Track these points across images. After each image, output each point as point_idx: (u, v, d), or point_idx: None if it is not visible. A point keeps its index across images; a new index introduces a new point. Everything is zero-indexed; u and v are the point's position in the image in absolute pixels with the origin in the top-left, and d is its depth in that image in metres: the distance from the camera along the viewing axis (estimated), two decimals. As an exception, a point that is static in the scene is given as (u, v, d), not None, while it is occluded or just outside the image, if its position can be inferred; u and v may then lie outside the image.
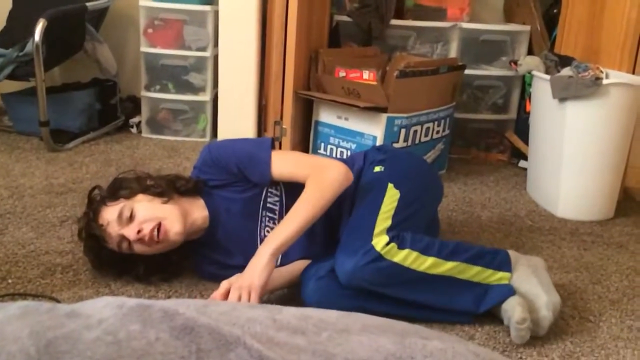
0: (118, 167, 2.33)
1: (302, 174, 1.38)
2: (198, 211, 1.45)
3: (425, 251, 1.30)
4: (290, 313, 0.72)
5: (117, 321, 0.60)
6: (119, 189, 1.41)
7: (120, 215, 1.36)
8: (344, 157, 2.30)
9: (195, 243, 1.48)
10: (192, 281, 1.49)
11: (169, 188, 1.42)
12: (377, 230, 1.30)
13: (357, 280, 1.27)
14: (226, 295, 1.24)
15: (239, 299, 1.22)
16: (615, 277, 1.66)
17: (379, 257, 1.26)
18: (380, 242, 1.27)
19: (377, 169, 1.50)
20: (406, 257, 1.28)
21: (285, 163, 1.41)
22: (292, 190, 1.41)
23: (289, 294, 1.44)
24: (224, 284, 1.26)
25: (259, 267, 1.25)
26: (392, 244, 1.27)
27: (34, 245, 1.63)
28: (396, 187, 1.41)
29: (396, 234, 1.29)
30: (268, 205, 1.45)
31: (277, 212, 1.45)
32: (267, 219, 1.45)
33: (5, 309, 0.64)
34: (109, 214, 1.37)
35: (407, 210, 1.38)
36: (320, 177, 1.36)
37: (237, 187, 1.44)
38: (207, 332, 0.60)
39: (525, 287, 1.34)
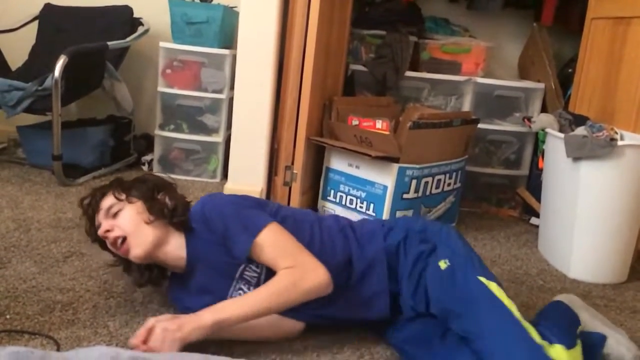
0: (126, 205, 2.32)
1: (283, 264, 1.30)
2: (174, 249, 1.42)
3: (569, 345, 1.21)
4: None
5: (110, 373, 0.58)
6: (133, 186, 1.46)
7: (109, 209, 1.42)
8: (354, 205, 2.28)
9: (173, 273, 1.50)
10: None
11: (159, 211, 1.42)
12: (537, 338, 1.19)
13: None
14: (149, 332, 1.21)
15: (163, 340, 1.20)
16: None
17: None
18: (555, 352, 1.17)
19: (443, 264, 1.34)
20: (574, 358, 1.20)
21: (270, 248, 1.32)
22: (273, 272, 1.35)
23: (295, 349, 1.40)
24: (151, 321, 1.24)
25: (193, 324, 1.22)
26: (564, 349, 1.18)
27: (36, 280, 1.61)
28: (488, 278, 1.31)
29: (546, 336, 1.20)
30: (244, 276, 1.39)
31: (252, 285, 1.39)
32: (242, 282, 1.40)
33: (-4, 354, 0.61)
34: (106, 202, 1.43)
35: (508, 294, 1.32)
36: (299, 276, 1.28)
37: (219, 248, 1.38)
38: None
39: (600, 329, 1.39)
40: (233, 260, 1.36)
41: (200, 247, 1.41)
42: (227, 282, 1.39)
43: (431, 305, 1.34)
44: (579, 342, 1.25)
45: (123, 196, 1.43)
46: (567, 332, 1.27)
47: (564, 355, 1.16)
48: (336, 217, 1.55)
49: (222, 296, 1.39)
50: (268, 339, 1.39)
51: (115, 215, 1.41)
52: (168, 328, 1.21)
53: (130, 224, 1.39)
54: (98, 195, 1.46)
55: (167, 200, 1.45)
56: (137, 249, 1.39)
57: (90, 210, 1.45)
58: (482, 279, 1.30)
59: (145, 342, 1.20)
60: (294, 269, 1.30)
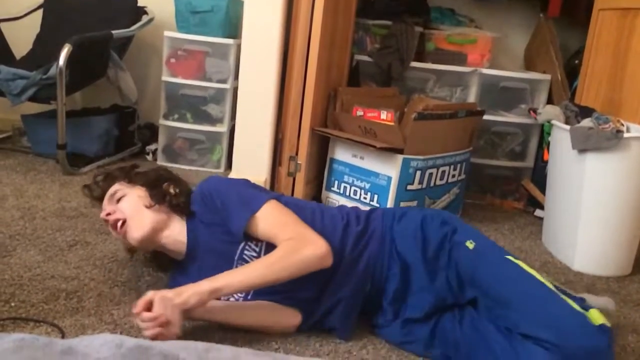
0: (131, 194, 2.33)
1: (283, 237, 1.30)
2: (175, 234, 1.44)
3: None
4: (294, 361, 0.69)
5: (115, 361, 0.58)
6: (140, 174, 1.52)
7: (113, 194, 1.47)
8: (358, 196, 2.28)
9: (174, 260, 1.51)
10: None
11: (160, 195, 1.45)
12: (576, 306, 1.23)
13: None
14: (149, 305, 1.22)
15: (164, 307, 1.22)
16: (632, 337, 1.59)
17: (606, 329, 1.19)
18: (594, 316, 1.22)
19: (470, 245, 1.36)
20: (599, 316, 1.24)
21: (270, 223, 1.33)
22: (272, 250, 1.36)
23: (299, 340, 1.40)
24: (150, 293, 1.24)
25: (191, 291, 1.23)
26: (597, 311, 1.24)
27: (40, 268, 1.62)
28: (514, 258, 1.34)
29: (579, 301, 1.26)
30: (244, 256, 1.39)
31: None
32: (241, 263, 1.39)
33: (0, 341, 0.62)
34: (113, 188, 1.49)
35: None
36: (297, 248, 1.28)
37: (219, 229, 1.39)
38: (206, 378, 0.58)
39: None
40: (232, 238, 1.36)
41: (200, 230, 1.42)
42: (227, 265, 1.39)
43: (467, 287, 1.33)
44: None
45: (127, 182, 1.49)
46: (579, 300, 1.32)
47: (600, 317, 1.21)
48: (341, 207, 1.55)
49: None
50: (265, 329, 1.38)
51: (118, 200, 1.46)
52: (166, 295, 1.22)
53: (130, 207, 1.43)
54: (105, 182, 1.52)
55: (171, 189, 1.48)
56: (136, 232, 1.41)
57: (95, 195, 1.53)
58: (511, 257, 1.33)
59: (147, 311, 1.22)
60: (293, 240, 1.29)
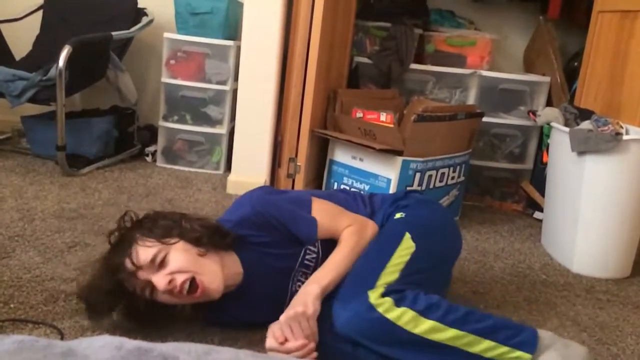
0: (130, 195, 2.33)
1: (343, 225, 1.38)
2: (233, 267, 1.36)
3: (425, 313, 1.17)
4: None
5: (114, 363, 0.58)
6: (155, 227, 1.31)
7: (153, 260, 1.25)
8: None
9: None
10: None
11: (207, 239, 1.32)
12: (379, 282, 1.23)
13: (349, 330, 1.19)
14: (283, 337, 1.17)
15: (298, 326, 1.19)
16: (631, 339, 1.60)
17: (371, 308, 1.17)
18: (375, 293, 1.19)
19: (398, 215, 1.46)
20: (401, 316, 1.16)
21: (326, 216, 1.40)
22: (328, 246, 1.38)
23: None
24: (275, 326, 1.19)
25: (311, 297, 1.24)
26: (388, 299, 1.18)
27: (40, 270, 1.62)
28: (413, 239, 1.35)
29: (397, 290, 1.21)
30: (305, 261, 1.39)
31: (311, 268, 1.39)
32: (300, 273, 1.40)
33: (0, 342, 0.62)
34: (141, 256, 1.26)
35: (418, 266, 1.31)
36: (361, 231, 1.39)
37: (277, 245, 1.37)
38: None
39: None
40: (292, 250, 1.37)
41: (253, 252, 1.37)
42: (285, 276, 1.39)
43: None
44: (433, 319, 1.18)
45: (155, 240, 1.28)
46: (445, 313, 1.19)
47: (378, 301, 1.17)
48: (344, 190, 1.64)
49: (282, 293, 1.39)
50: None
51: (161, 264, 1.26)
52: (296, 312, 1.20)
53: (188, 263, 1.27)
54: (127, 254, 1.28)
55: (194, 226, 1.34)
56: (215, 283, 1.29)
57: (125, 277, 1.27)
58: (407, 235, 1.36)
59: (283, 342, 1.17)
60: (354, 226, 1.39)
